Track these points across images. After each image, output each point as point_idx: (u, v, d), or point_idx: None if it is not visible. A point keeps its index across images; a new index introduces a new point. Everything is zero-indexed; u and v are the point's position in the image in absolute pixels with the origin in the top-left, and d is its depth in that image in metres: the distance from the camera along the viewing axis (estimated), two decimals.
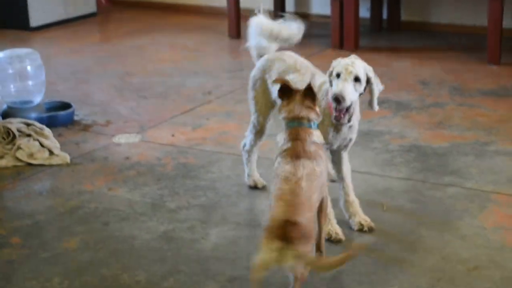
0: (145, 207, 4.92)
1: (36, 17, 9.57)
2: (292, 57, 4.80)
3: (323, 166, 3.82)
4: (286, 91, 3.88)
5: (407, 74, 7.61)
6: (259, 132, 4.93)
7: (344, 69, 4.21)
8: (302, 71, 4.64)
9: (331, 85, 4.26)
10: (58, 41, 9.17)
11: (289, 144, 3.81)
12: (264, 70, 4.80)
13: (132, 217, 4.81)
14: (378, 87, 4.40)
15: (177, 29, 9.65)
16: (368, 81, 4.32)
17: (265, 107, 4.85)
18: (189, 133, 6.19)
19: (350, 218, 4.58)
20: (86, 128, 6.36)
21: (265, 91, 4.80)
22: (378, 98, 4.42)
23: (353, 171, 5.14)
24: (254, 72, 4.89)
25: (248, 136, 5.00)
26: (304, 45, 8.69)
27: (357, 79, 4.22)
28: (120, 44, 9.06)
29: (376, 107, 4.41)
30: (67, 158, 5.68)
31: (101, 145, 5.99)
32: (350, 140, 4.51)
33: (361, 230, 4.52)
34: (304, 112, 3.84)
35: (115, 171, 5.49)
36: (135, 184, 5.26)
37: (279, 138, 3.90)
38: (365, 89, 4.31)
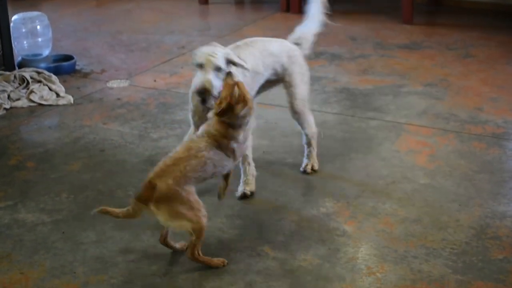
0: (133, 137, 4.89)
1: None
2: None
3: (231, 162, 3.45)
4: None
5: (339, 32, 7.57)
6: None
7: (206, 60, 3.59)
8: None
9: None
10: (62, 6, 9.00)
11: (219, 132, 3.39)
12: None
13: (123, 145, 4.79)
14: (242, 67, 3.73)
15: None
16: (234, 64, 3.66)
17: None
18: (167, 79, 6.13)
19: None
20: (85, 75, 6.28)
21: None
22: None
23: None
24: None
25: None
26: (257, 10, 8.67)
27: (218, 69, 3.59)
28: (112, 8, 8.91)
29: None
30: (70, 99, 5.61)
31: (97, 89, 5.92)
32: None
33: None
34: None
35: (108, 109, 5.44)
36: (125, 119, 5.22)
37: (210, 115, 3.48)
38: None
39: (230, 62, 3.64)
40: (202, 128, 3.47)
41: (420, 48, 6.93)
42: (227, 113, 3.35)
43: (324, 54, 6.74)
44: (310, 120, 4.34)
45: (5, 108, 5.41)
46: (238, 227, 3.74)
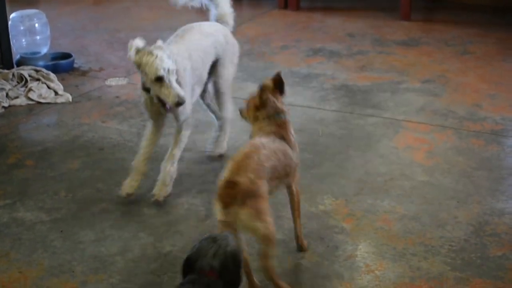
0: (131, 135, 4.88)
1: None
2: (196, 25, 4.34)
3: (295, 156, 3.35)
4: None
5: (338, 28, 7.57)
6: None
7: (164, 71, 3.62)
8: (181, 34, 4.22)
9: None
10: (60, 4, 8.98)
11: (273, 128, 3.31)
12: None
13: (121, 143, 4.78)
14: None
15: None
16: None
17: None
18: None
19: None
20: (83, 73, 6.26)
21: None
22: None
23: (295, 105, 5.16)
24: None
25: None
26: (255, 6, 8.65)
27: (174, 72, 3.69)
28: (110, 6, 8.89)
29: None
30: (69, 97, 5.60)
31: (96, 87, 5.91)
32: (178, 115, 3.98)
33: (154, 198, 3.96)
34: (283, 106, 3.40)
35: (107, 107, 5.43)
36: (123, 117, 5.21)
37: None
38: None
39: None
40: (258, 136, 3.33)
41: (418, 45, 6.92)
42: (265, 103, 3.35)
43: (322, 51, 6.73)
44: (230, 104, 4.41)
45: (3, 106, 5.40)
46: None
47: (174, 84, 3.65)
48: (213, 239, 2.66)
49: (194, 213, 3.87)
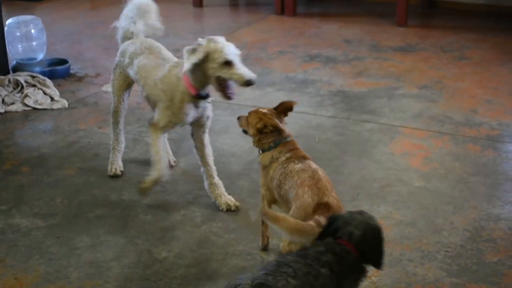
0: (127, 141, 4.86)
1: None
2: (144, 41, 4.36)
3: None
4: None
5: (334, 34, 7.59)
6: (115, 112, 4.44)
7: (235, 55, 3.65)
8: (148, 52, 4.22)
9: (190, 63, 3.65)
10: (56, 10, 8.99)
11: (288, 154, 3.31)
12: (122, 54, 4.31)
13: None
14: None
15: None
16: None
17: (119, 89, 4.38)
18: None
19: (216, 199, 3.97)
20: (80, 79, 6.28)
21: (121, 73, 4.32)
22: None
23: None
24: (116, 57, 4.36)
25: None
26: (252, 12, 8.68)
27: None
28: (106, 11, 8.90)
29: None
30: (65, 103, 5.62)
31: (92, 92, 5.92)
32: (208, 118, 3.94)
33: (229, 209, 3.93)
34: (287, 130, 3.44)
35: (103, 113, 5.44)
36: None
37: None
38: None
39: None
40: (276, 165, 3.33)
41: (415, 50, 6.94)
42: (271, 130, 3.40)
43: (318, 56, 6.75)
44: None
45: None
46: (233, 231, 3.74)
47: (243, 66, 3.65)
48: (359, 212, 2.89)
49: (190, 218, 3.89)
